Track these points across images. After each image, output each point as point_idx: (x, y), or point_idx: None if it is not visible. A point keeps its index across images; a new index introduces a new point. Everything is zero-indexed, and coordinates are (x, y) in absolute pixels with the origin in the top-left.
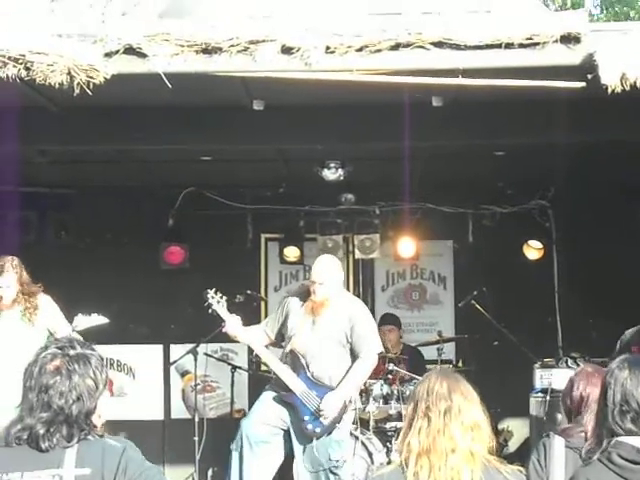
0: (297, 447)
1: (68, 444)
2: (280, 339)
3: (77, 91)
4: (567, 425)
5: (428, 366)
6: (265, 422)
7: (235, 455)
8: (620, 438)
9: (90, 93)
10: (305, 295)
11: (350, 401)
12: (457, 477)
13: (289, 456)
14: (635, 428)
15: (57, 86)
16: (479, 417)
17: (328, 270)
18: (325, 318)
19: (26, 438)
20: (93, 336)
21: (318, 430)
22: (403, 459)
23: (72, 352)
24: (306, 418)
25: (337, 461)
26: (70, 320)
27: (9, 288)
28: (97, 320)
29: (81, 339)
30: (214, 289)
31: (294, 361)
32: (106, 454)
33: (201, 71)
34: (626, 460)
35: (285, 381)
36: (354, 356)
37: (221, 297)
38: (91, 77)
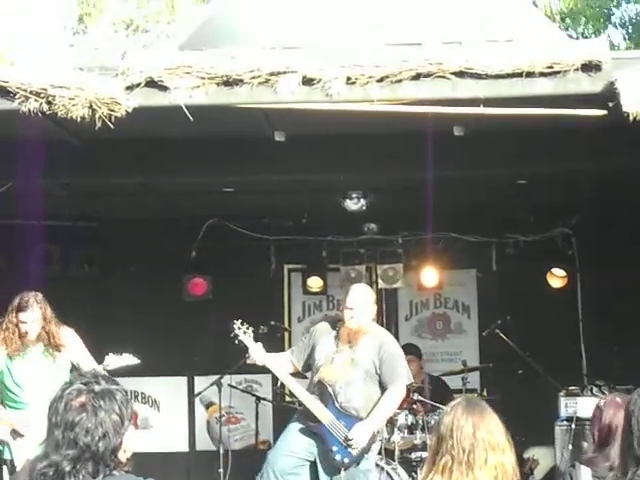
0: (324, 478)
1: None
2: (306, 369)
3: (99, 124)
4: (593, 454)
5: (453, 395)
6: (291, 454)
7: None
8: None
9: (112, 126)
10: (333, 325)
11: (378, 431)
12: None
13: None
14: None
15: (79, 119)
16: (504, 454)
17: (362, 297)
18: (354, 348)
19: (52, 474)
20: (118, 369)
21: (347, 460)
22: None
23: (97, 388)
24: (334, 448)
25: None
26: (99, 357)
27: (33, 323)
28: (128, 360)
29: (105, 374)
30: (240, 320)
31: (322, 391)
32: None
33: (222, 103)
34: None
35: (313, 411)
36: (382, 387)
37: (247, 328)
38: (113, 110)
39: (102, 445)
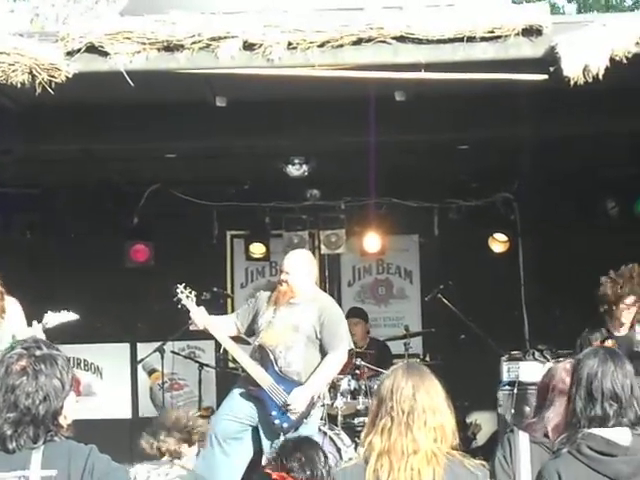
0: (265, 443)
1: (34, 445)
2: (249, 333)
3: (39, 90)
4: (531, 420)
5: (395, 360)
6: (234, 419)
7: (204, 453)
8: (590, 430)
9: (52, 92)
10: (275, 288)
11: (319, 397)
12: (417, 477)
13: (259, 452)
14: (605, 419)
15: (19, 85)
16: (443, 416)
17: (296, 260)
18: (294, 312)
19: None
20: (59, 335)
21: (286, 425)
22: (364, 456)
23: (38, 352)
24: (273, 413)
25: None
26: (39, 318)
27: None
28: (67, 317)
29: (41, 335)
30: (184, 284)
31: (262, 356)
32: (72, 455)
33: (163, 69)
34: (595, 452)
35: (253, 375)
36: (323, 352)
37: (190, 292)
38: (53, 76)
39: (42, 408)
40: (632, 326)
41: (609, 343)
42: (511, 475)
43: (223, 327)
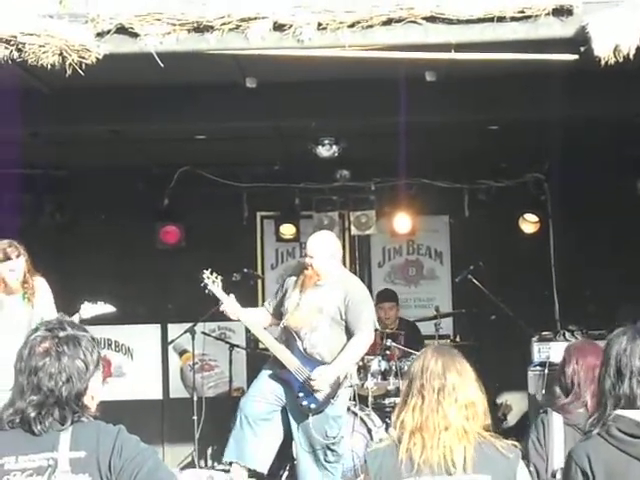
0: (293, 424)
1: (62, 427)
2: (279, 317)
3: (69, 72)
4: (565, 400)
5: (426, 341)
6: (263, 400)
7: (234, 433)
8: (620, 412)
9: (82, 74)
10: (302, 271)
11: (345, 377)
12: (449, 455)
13: (289, 433)
14: (634, 399)
15: (49, 67)
16: (474, 395)
17: (318, 243)
18: (319, 294)
19: (19, 422)
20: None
21: (313, 406)
22: (397, 436)
23: (62, 334)
24: (300, 394)
25: (334, 437)
26: (72, 307)
27: (19, 271)
28: (103, 308)
29: (72, 320)
30: (210, 269)
31: (288, 338)
32: (101, 436)
33: (193, 50)
34: (625, 434)
35: (280, 358)
36: (349, 334)
37: (216, 277)
38: (83, 57)
39: (65, 390)
40: None
41: None
42: (544, 457)
43: (254, 316)
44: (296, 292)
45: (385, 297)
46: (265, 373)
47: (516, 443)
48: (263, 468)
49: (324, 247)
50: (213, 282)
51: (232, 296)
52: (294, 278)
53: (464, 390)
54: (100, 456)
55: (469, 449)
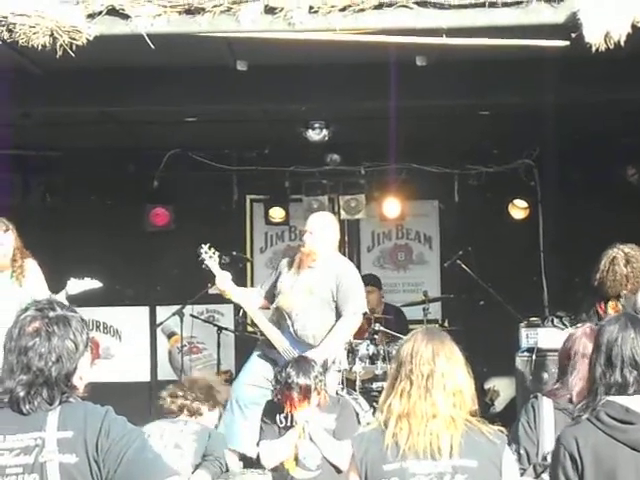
0: None
1: (50, 407)
2: (271, 299)
3: (60, 53)
4: (554, 386)
5: (413, 326)
6: (253, 383)
7: (224, 417)
8: (610, 397)
9: (73, 55)
10: (296, 253)
11: (334, 361)
12: (436, 442)
13: None
14: (625, 386)
15: (40, 48)
16: (462, 382)
17: (321, 222)
18: (312, 276)
19: (7, 401)
20: (78, 298)
21: None
22: (383, 420)
23: (52, 314)
24: None
25: None
26: (59, 282)
27: (9, 246)
28: (90, 284)
29: (62, 301)
30: (208, 245)
31: (279, 319)
32: (88, 417)
33: (184, 32)
34: (615, 419)
35: (270, 338)
36: (339, 316)
37: (214, 253)
38: (74, 39)
39: (55, 370)
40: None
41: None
42: (535, 441)
43: (247, 294)
44: (290, 274)
45: (364, 282)
46: (255, 356)
47: (502, 429)
48: (252, 452)
49: (324, 226)
50: (210, 257)
51: (228, 274)
52: (287, 260)
53: (453, 377)
54: (87, 436)
55: (456, 436)
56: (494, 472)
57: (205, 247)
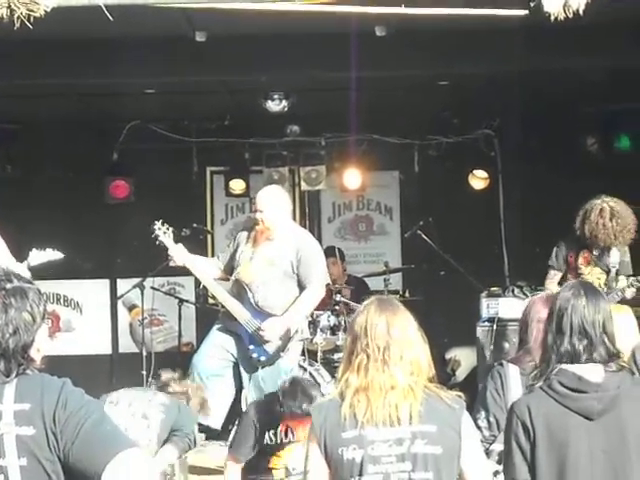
0: (245, 377)
1: (7, 379)
2: (230, 271)
3: (17, 25)
4: (519, 353)
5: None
6: (215, 356)
7: None
8: (563, 365)
9: (31, 27)
10: (253, 226)
11: (296, 331)
12: (395, 413)
13: (240, 388)
14: (576, 355)
15: None
16: (418, 349)
17: (269, 197)
18: (271, 248)
19: None
20: (39, 271)
21: (263, 358)
22: (340, 392)
23: (8, 285)
24: (251, 347)
25: None
26: (19, 254)
27: None
28: (52, 255)
29: (22, 272)
30: (161, 220)
31: (239, 291)
32: (45, 389)
33: (141, 3)
34: (567, 388)
35: (230, 310)
36: (301, 287)
37: (167, 228)
38: (31, 10)
39: (12, 342)
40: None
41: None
42: (503, 408)
43: (204, 266)
44: (248, 246)
45: (326, 253)
46: (216, 329)
47: (461, 394)
48: (216, 424)
49: (273, 201)
50: (164, 233)
51: (181, 245)
52: (246, 233)
53: (409, 345)
54: (45, 408)
55: (415, 405)
56: (453, 436)
57: (158, 223)
